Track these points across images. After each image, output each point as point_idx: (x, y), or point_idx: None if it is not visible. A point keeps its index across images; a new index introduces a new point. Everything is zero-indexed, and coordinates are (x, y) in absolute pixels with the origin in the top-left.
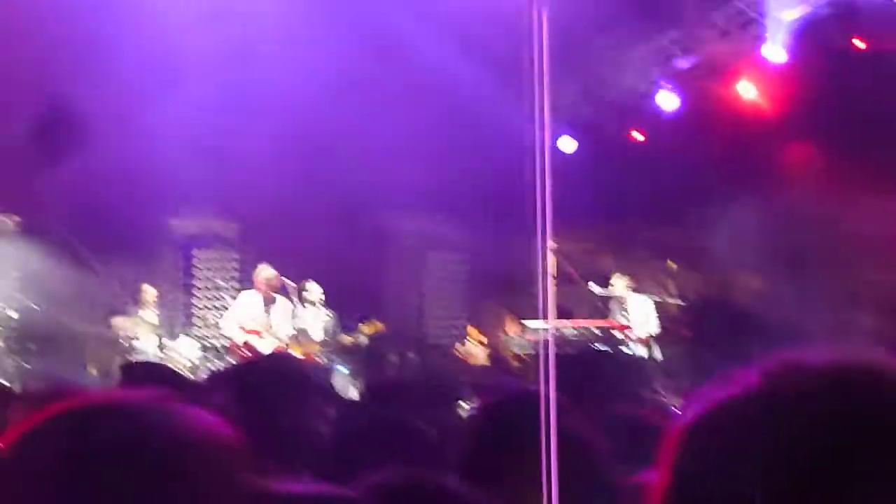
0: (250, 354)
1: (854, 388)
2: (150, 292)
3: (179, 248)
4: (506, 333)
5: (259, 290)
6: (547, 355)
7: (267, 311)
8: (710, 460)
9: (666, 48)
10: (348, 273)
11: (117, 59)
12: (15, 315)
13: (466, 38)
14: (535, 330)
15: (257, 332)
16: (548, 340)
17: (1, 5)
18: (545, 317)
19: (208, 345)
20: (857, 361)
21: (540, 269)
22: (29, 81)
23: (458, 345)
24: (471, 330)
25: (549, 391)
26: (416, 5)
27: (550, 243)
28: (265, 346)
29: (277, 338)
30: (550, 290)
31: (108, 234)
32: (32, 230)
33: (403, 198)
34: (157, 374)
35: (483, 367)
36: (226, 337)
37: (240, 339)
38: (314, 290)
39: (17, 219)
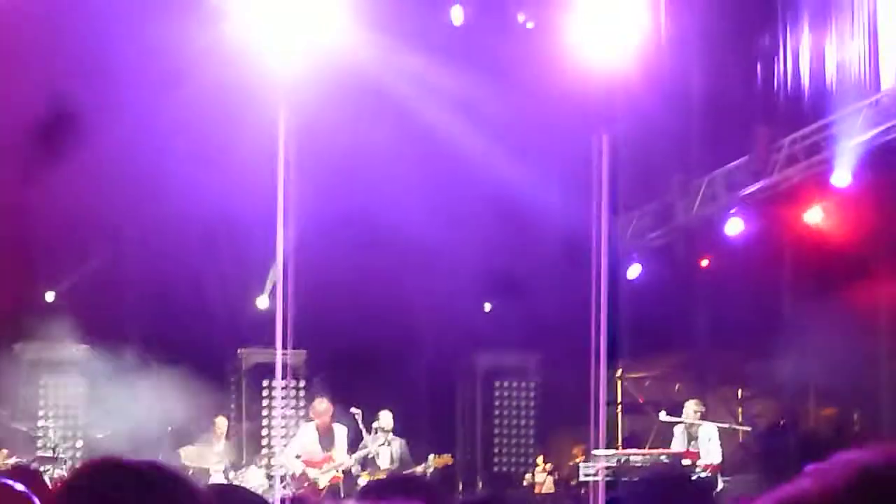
0: (308, 485)
1: None
2: (220, 423)
3: (251, 378)
4: (574, 462)
5: (315, 421)
6: (597, 485)
7: (325, 443)
8: None
9: (735, 174)
10: (418, 402)
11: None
12: (79, 444)
13: (536, 165)
14: (601, 458)
15: (317, 464)
16: (600, 469)
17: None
18: (600, 445)
19: (273, 475)
20: None
21: (593, 398)
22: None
23: (526, 474)
24: (539, 459)
25: None
26: (482, 129)
27: (618, 371)
28: (324, 477)
29: (336, 468)
30: (609, 419)
31: (180, 363)
32: (100, 360)
33: (474, 326)
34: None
35: (550, 496)
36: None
37: (298, 469)
38: (385, 419)
39: (85, 348)
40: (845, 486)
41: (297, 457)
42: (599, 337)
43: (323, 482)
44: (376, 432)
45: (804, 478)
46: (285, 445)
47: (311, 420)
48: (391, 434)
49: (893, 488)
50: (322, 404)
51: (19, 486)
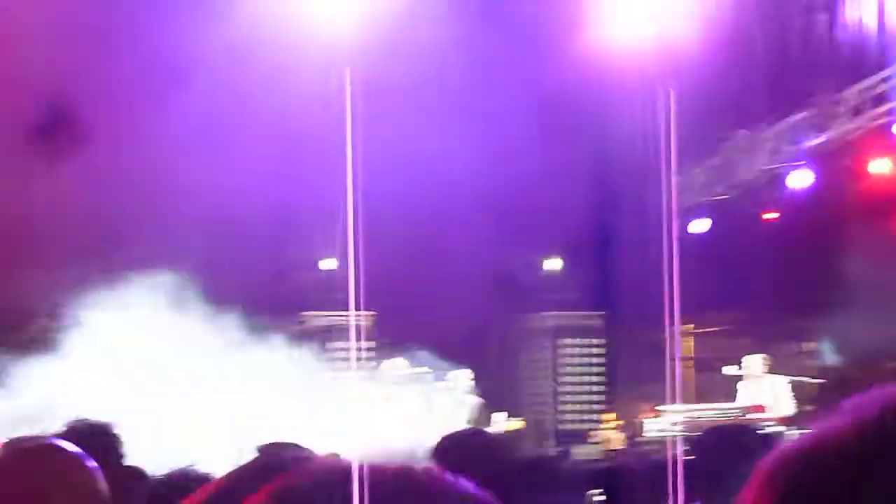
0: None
1: None
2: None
3: (317, 341)
4: (641, 418)
5: (389, 379)
6: (675, 439)
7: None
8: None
9: (798, 127)
10: (486, 362)
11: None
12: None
13: (597, 118)
14: (669, 414)
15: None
16: (677, 424)
17: None
18: (674, 400)
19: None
20: None
21: (668, 354)
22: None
23: (594, 432)
24: (607, 416)
25: (678, 474)
26: (540, 92)
27: (683, 327)
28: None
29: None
30: (680, 374)
31: (245, 326)
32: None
33: (540, 286)
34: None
35: (618, 453)
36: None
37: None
38: (459, 378)
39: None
40: (880, 416)
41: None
42: (672, 292)
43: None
44: (450, 392)
45: (840, 413)
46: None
47: (384, 382)
48: (465, 393)
49: None
50: (392, 363)
51: (72, 448)
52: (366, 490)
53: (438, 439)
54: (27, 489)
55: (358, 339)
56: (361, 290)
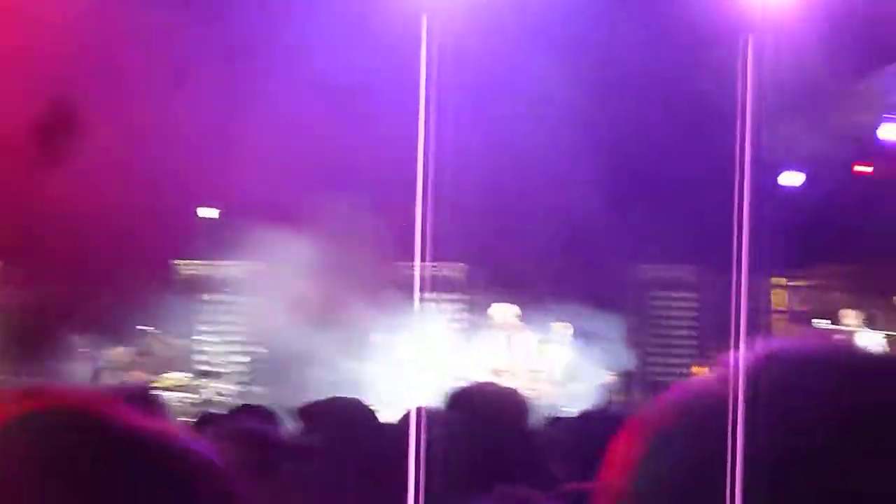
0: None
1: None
2: (379, 339)
3: (409, 291)
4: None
5: (499, 328)
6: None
7: (509, 350)
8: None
9: (890, 80)
10: (575, 316)
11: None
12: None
13: (684, 76)
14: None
15: (501, 372)
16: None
17: None
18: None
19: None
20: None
21: (734, 307)
22: None
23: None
24: (696, 370)
25: (738, 420)
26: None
27: (776, 280)
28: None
29: (522, 376)
30: (772, 328)
31: (338, 278)
32: (261, 277)
33: (626, 239)
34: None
35: None
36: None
37: (483, 379)
38: (561, 330)
39: (246, 265)
40: (752, 366)
41: (481, 365)
42: (741, 246)
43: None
44: (553, 342)
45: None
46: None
47: (491, 327)
48: (565, 345)
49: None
50: (505, 308)
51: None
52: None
53: (454, 390)
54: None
55: (454, 290)
56: (448, 242)
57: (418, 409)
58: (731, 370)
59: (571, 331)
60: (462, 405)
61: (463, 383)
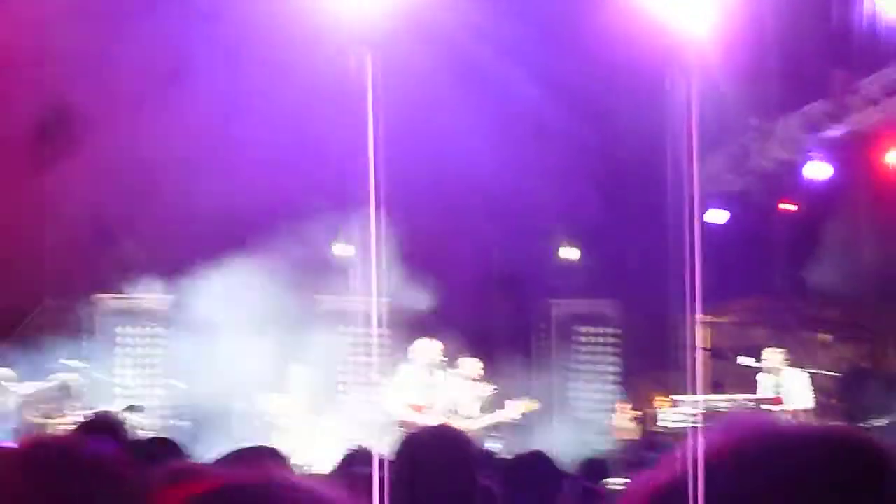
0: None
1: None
2: (298, 370)
3: (324, 325)
4: (657, 407)
5: (421, 364)
6: (695, 428)
7: (430, 386)
8: None
9: (815, 117)
10: (497, 349)
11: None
12: (160, 393)
13: (613, 111)
14: (686, 404)
15: (419, 408)
16: (695, 414)
17: None
18: (693, 391)
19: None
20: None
21: (688, 343)
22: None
23: (606, 421)
24: (622, 405)
25: (697, 467)
26: (556, 78)
27: (700, 317)
28: (426, 422)
29: (440, 413)
30: (700, 364)
31: (259, 313)
32: (180, 309)
33: (556, 273)
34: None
35: (633, 442)
36: (380, 413)
37: (401, 415)
38: (470, 366)
39: (165, 298)
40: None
41: (400, 401)
42: (694, 280)
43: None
44: (462, 378)
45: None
46: (377, 391)
47: (412, 362)
48: (475, 381)
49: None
50: (430, 343)
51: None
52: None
53: (403, 435)
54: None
55: (378, 325)
56: (379, 277)
57: (380, 459)
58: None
59: (486, 366)
60: (417, 450)
61: (413, 428)
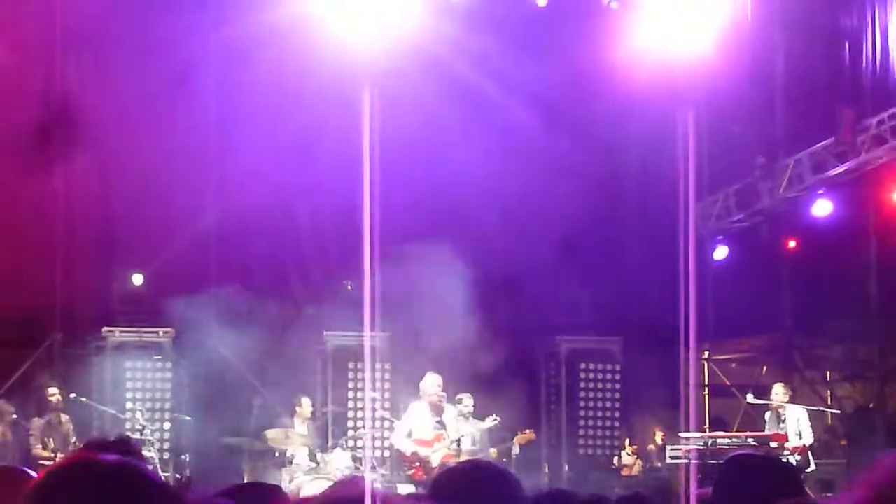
0: (419, 465)
1: None
2: (305, 404)
3: (336, 361)
4: (660, 444)
5: (428, 399)
6: (688, 468)
7: (436, 421)
8: None
9: (820, 155)
10: (502, 385)
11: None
12: (167, 426)
13: (618, 146)
14: (688, 440)
15: (428, 443)
16: (691, 451)
17: None
18: (689, 427)
19: (360, 455)
20: None
21: (682, 380)
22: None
23: (614, 457)
24: (626, 442)
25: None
26: (561, 112)
27: (703, 353)
28: (436, 456)
29: (446, 447)
30: (695, 401)
31: (265, 345)
32: (185, 343)
33: (557, 309)
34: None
35: (636, 479)
36: (385, 448)
37: (409, 449)
38: (467, 402)
39: (170, 332)
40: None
41: (408, 436)
42: (688, 319)
43: (435, 460)
44: (461, 415)
45: (858, 488)
46: (385, 426)
47: (420, 398)
48: (472, 417)
49: None
50: (436, 378)
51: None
52: None
53: (438, 473)
54: None
55: (384, 361)
56: (377, 311)
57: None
58: None
59: (491, 401)
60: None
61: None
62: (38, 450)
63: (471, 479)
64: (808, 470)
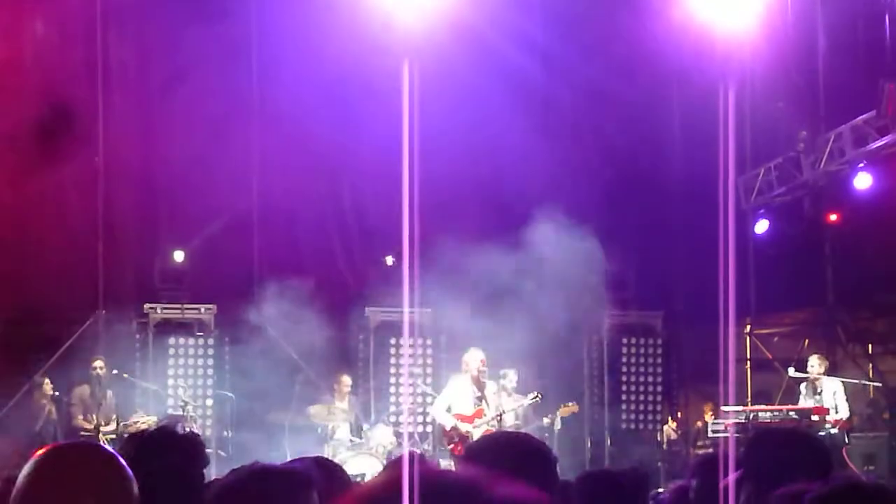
0: (458, 440)
1: None
2: (345, 380)
3: (378, 336)
4: (702, 418)
5: (469, 373)
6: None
7: (477, 396)
8: None
9: (862, 129)
10: (546, 360)
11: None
12: (209, 403)
13: (660, 121)
14: (731, 414)
15: (469, 418)
16: (729, 425)
17: None
18: (728, 401)
19: (401, 431)
20: None
21: (722, 355)
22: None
23: (656, 431)
24: (668, 416)
25: (729, 478)
26: (601, 87)
27: (745, 328)
28: (477, 431)
29: (488, 421)
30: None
31: (306, 321)
32: (227, 320)
33: (599, 283)
34: None
35: (678, 452)
36: (427, 423)
37: (448, 423)
38: (511, 377)
39: (212, 308)
40: None
41: (448, 410)
42: (728, 292)
43: (476, 436)
44: (503, 390)
45: None
46: (426, 400)
47: (462, 372)
48: (514, 393)
49: None
50: (478, 353)
51: (107, 448)
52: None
53: (478, 438)
54: (59, 485)
55: (419, 336)
56: (419, 287)
57: (411, 454)
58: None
59: (535, 375)
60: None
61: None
62: (79, 420)
63: (504, 448)
64: (847, 445)
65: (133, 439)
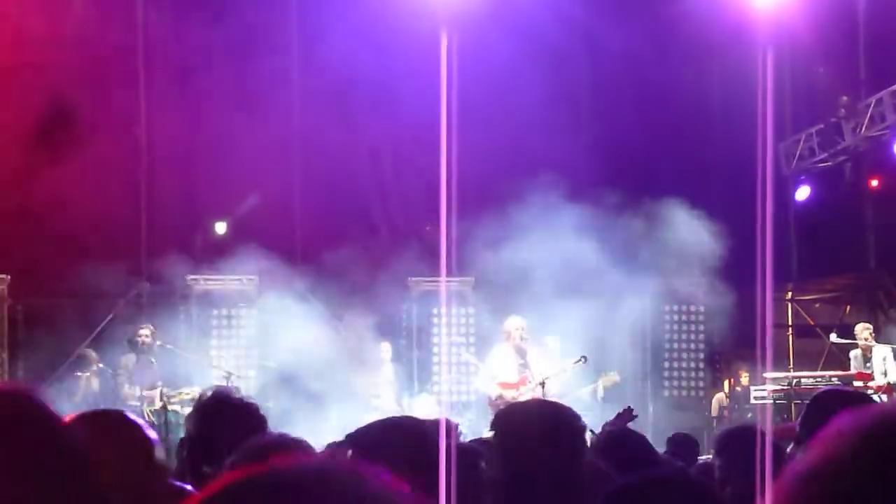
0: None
1: None
2: (385, 348)
3: (420, 306)
4: (745, 385)
5: (511, 341)
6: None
7: (520, 362)
8: None
9: None
10: (586, 327)
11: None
12: (252, 373)
13: (698, 86)
14: (773, 380)
15: (513, 385)
16: (770, 391)
17: None
18: (766, 367)
19: (443, 401)
20: None
21: (759, 320)
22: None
23: (700, 397)
24: (714, 382)
25: (766, 443)
26: (641, 59)
27: (787, 294)
28: (523, 398)
29: (532, 389)
30: (780, 341)
31: (348, 292)
32: (269, 290)
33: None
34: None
35: (720, 419)
36: (471, 393)
37: (494, 392)
38: (553, 344)
39: (254, 279)
40: (852, 457)
41: (493, 379)
42: (765, 259)
43: None
44: (546, 356)
45: (809, 450)
46: (466, 370)
47: (504, 341)
48: (558, 358)
49: None
50: (517, 320)
51: (134, 418)
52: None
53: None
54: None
55: (461, 305)
56: (460, 256)
57: (447, 421)
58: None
59: (575, 342)
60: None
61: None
62: (125, 390)
63: (530, 416)
64: None
65: (197, 411)
